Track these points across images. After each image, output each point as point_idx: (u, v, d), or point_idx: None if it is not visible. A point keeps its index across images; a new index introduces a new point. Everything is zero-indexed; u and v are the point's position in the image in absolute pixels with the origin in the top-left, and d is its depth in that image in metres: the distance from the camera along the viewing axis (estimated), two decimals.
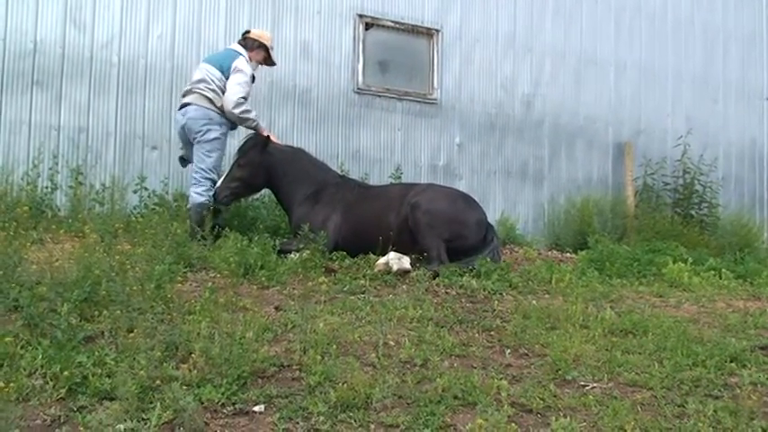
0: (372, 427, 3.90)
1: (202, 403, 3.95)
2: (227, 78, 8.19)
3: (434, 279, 7.14)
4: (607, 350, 5.35)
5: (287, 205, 8.33)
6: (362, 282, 6.79)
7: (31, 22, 8.85)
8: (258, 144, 8.19)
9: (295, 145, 9.16)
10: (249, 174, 8.14)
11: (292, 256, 7.35)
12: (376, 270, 7.21)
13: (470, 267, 7.47)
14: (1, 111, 8.66)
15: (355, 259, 7.63)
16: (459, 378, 4.50)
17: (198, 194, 7.90)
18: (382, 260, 7.35)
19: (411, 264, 7.37)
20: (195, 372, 4.21)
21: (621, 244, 9.96)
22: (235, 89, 8.13)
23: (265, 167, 8.19)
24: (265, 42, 8.62)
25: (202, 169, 8.00)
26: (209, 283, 5.99)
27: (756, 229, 12.21)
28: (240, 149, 8.30)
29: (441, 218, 7.78)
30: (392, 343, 5.15)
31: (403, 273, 7.23)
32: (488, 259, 7.65)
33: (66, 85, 8.99)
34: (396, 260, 7.31)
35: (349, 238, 7.94)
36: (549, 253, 10.47)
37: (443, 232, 7.70)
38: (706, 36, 13.73)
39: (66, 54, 9.01)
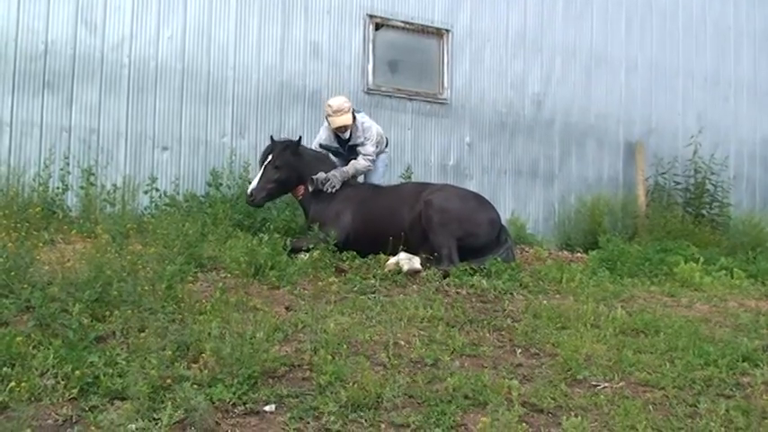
0: (383, 426, 3.90)
1: (213, 403, 3.95)
2: None
3: (445, 279, 7.15)
4: (618, 350, 5.34)
5: (306, 205, 8.43)
6: (373, 282, 6.80)
7: (43, 23, 8.87)
8: (291, 146, 8.45)
9: (306, 144, 9.23)
10: (285, 175, 8.37)
11: (302, 255, 7.37)
12: (386, 270, 7.22)
13: (481, 267, 7.47)
14: (12, 112, 8.69)
15: (365, 259, 7.63)
16: (470, 378, 4.50)
17: None
18: (392, 260, 7.37)
19: (421, 264, 7.38)
20: (206, 371, 4.22)
21: (632, 243, 9.93)
22: None
23: (297, 169, 8.42)
24: (325, 112, 8.92)
25: None
26: (220, 284, 6.00)
27: None
28: (270, 153, 8.45)
29: (453, 216, 7.83)
30: (402, 343, 5.15)
31: (413, 273, 7.24)
32: (500, 259, 7.66)
33: (77, 87, 9.01)
34: (406, 260, 7.32)
35: (361, 231, 8.04)
36: (560, 252, 10.46)
37: (455, 231, 7.73)
38: (717, 34, 13.68)
39: (78, 55, 9.03)
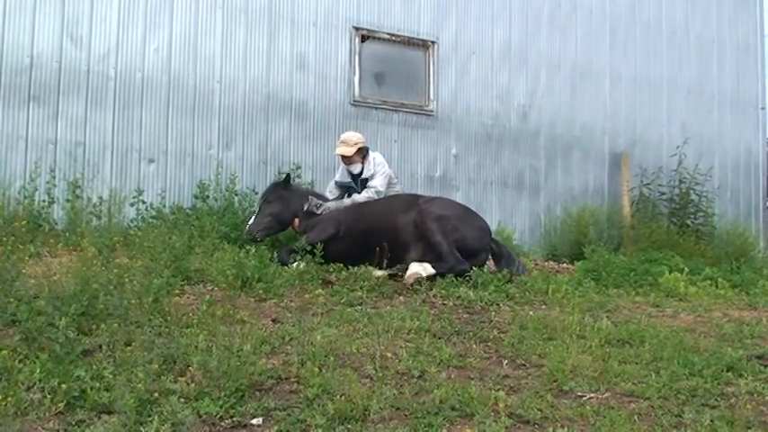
0: None
1: (200, 416, 3.95)
2: None
3: (459, 275, 7.45)
4: (604, 360, 5.35)
5: (302, 226, 8.61)
6: (360, 293, 6.80)
7: (28, 36, 8.88)
8: (281, 182, 8.73)
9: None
10: (278, 208, 8.55)
11: (292, 265, 7.43)
12: (408, 283, 7.35)
13: (467, 277, 7.52)
14: None
15: (352, 270, 7.62)
16: (457, 389, 4.51)
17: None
18: (410, 272, 7.41)
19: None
20: (193, 385, 4.21)
21: (618, 254, 9.97)
22: None
23: (289, 201, 8.61)
24: None
25: None
26: (207, 296, 5.98)
27: (752, 239, 12.23)
28: (265, 192, 8.75)
29: (448, 219, 7.96)
30: (389, 355, 5.15)
31: (429, 277, 7.39)
32: (506, 271, 7.77)
33: (62, 99, 9.01)
34: (421, 269, 7.41)
35: (353, 228, 8.18)
36: (546, 263, 10.49)
37: (451, 232, 7.83)
38: (701, 46, 13.78)
39: (63, 68, 9.04)
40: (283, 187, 8.65)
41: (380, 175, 8.92)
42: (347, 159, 8.98)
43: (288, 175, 8.81)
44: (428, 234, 7.78)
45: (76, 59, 9.13)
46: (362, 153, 8.99)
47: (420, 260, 7.64)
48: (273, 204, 8.52)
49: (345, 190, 9.12)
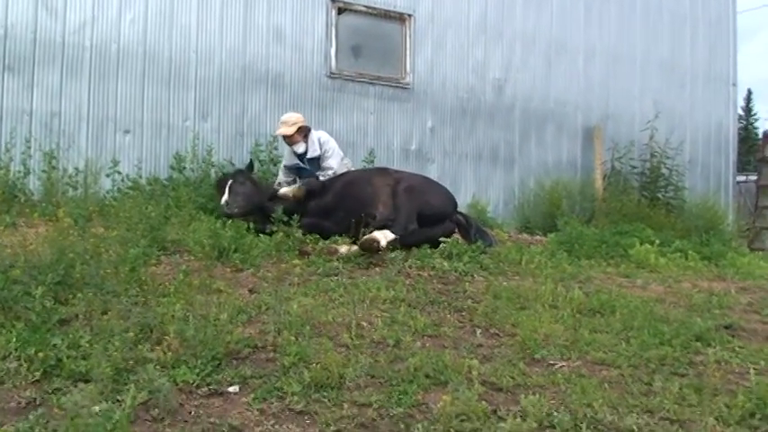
0: (346, 406, 3.94)
1: (177, 384, 3.96)
2: None
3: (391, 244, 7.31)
4: (575, 329, 5.42)
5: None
6: (336, 264, 6.82)
7: (2, 6, 8.77)
8: (246, 167, 8.68)
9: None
10: (249, 189, 8.28)
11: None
12: (364, 247, 7.18)
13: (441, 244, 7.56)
14: None
15: (328, 241, 7.64)
16: (431, 357, 4.55)
17: None
18: (372, 236, 7.32)
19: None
20: (170, 353, 4.23)
21: (590, 226, 10.06)
22: None
23: (259, 185, 8.52)
24: None
25: None
26: (184, 266, 5.98)
27: (721, 212, 12.39)
28: (233, 174, 8.56)
29: (417, 188, 8.03)
30: (365, 324, 5.19)
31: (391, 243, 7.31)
32: (481, 243, 7.76)
33: (38, 70, 8.94)
34: (382, 236, 7.30)
35: (328, 187, 8.18)
36: (520, 235, 10.57)
37: (416, 199, 7.84)
38: (674, 22, 13.86)
39: (38, 39, 8.96)
40: (250, 172, 8.52)
41: (332, 155, 8.98)
42: (289, 139, 9.04)
43: (251, 162, 8.84)
44: (396, 198, 7.80)
45: (52, 30, 9.04)
46: (303, 132, 9.04)
47: (384, 220, 7.64)
48: (245, 185, 8.22)
49: (296, 172, 9.11)
